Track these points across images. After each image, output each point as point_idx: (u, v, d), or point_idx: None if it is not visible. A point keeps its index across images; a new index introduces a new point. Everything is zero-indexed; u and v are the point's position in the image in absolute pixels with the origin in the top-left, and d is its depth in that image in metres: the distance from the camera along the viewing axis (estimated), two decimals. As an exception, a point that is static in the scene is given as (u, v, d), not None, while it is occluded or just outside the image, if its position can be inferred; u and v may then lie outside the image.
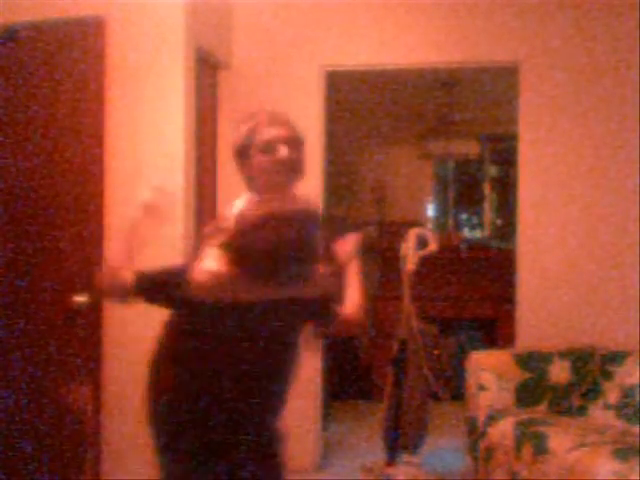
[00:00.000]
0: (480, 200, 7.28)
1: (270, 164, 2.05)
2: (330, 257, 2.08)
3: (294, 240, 1.89)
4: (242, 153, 2.10)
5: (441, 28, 4.05)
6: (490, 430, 3.42)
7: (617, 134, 3.91)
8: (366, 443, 4.53)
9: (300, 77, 4.11)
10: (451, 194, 7.41)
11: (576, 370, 3.61)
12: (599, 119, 3.93)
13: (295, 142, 2.08)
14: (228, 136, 4.04)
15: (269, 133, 2.06)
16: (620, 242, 3.90)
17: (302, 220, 1.98)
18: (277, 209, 1.98)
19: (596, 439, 3.07)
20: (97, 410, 3.26)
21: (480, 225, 7.40)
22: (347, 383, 5.79)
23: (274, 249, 1.87)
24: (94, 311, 3.22)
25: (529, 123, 4.01)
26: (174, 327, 2.03)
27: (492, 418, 3.44)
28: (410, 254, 3.88)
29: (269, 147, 2.04)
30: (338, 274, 2.09)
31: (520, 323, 4.04)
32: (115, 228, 3.28)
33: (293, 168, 2.07)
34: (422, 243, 3.89)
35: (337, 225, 2.11)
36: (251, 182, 2.11)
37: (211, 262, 1.93)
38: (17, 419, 3.29)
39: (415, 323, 3.86)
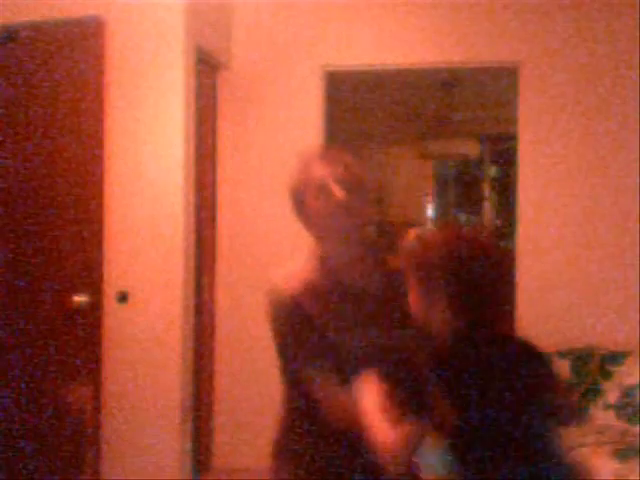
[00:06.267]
0: (480, 200, 7.28)
1: (325, 209, 1.82)
2: None
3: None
4: (297, 199, 1.89)
5: (441, 28, 4.05)
6: (490, 430, 3.41)
7: (617, 134, 3.91)
8: (366, 443, 4.52)
9: (300, 77, 4.10)
10: (451, 194, 7.41)
11: (576, 370, 3.61)
12: (599, 119, 3.93)
13: (351, 183, 1.84)
14: (228, 136, 4.07)
15: (321, 174, 1.84)
16: (620, 242, 3.90)
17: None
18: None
19: (596, 439, 3.07)
20: (97, 410, 3.26)
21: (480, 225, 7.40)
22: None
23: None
24: (94, 311, 3.23)
25: (529, 123, 4.01)
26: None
27: (492, 418, 3.44)
28: (410, 254, 3.89)
29: (322, 190, 1.83)
30: None
31: (520, 323, 4.03)
32: (115, 228, 3.29)
33: (351, 213, 1.82)
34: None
35: None
36: (312, 230, 1.89)
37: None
38: (17, 419, 3.30)
39: (415, 323, 3.86)
